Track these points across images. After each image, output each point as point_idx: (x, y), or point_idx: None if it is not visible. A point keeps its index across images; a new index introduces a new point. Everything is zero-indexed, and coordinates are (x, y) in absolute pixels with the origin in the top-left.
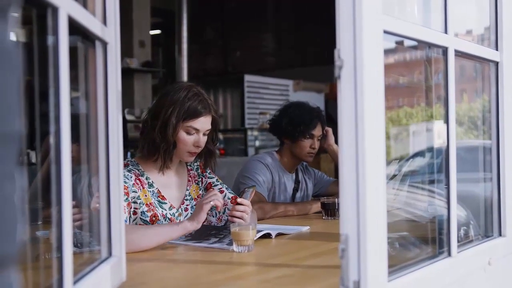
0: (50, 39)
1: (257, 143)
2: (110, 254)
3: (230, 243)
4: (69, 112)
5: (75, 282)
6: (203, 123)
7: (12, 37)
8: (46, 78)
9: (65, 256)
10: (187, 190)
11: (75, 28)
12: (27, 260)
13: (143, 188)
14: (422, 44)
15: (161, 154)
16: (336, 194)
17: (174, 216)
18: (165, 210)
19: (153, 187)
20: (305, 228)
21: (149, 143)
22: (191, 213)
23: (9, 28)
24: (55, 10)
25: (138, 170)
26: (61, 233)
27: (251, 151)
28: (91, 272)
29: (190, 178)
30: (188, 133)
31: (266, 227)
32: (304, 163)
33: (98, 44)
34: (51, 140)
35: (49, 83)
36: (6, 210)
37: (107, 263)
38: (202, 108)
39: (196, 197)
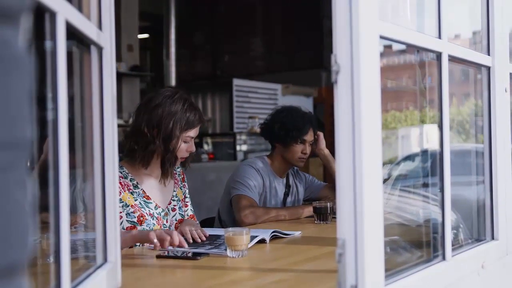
0: (47, 44)
1: (246, 147)
2: (105, 260)
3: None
4: (67, 117)
5: None
6: (197, 130)
7: (23, 43)
8: (41, 83)
9: (63, 263)
10: (174, 191)
11: (71, 32)
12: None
13: (127, 190)
14: (411, 48)
15: (166, 164)
16: (327, 198)
17: (160, 215)
18: (151, 209)
19: (138, 188)
20: (297, 233)
21: (149, 154)
22: (179, 213)
23: (20, 35)
24: (53, 15)
25: (121, 173)
26: (59, 239)
27: (240, 155)
28: (87, 278)
29: (176, 181)
30: (185, 141)
31: (258, 232)
32: (295, 168)
33: (93, 49)
34: (49, 145)
35: (46, 87)
36: (19, 217)
37: (102, 269)
38: (199, 119)
39: (181, 199)
